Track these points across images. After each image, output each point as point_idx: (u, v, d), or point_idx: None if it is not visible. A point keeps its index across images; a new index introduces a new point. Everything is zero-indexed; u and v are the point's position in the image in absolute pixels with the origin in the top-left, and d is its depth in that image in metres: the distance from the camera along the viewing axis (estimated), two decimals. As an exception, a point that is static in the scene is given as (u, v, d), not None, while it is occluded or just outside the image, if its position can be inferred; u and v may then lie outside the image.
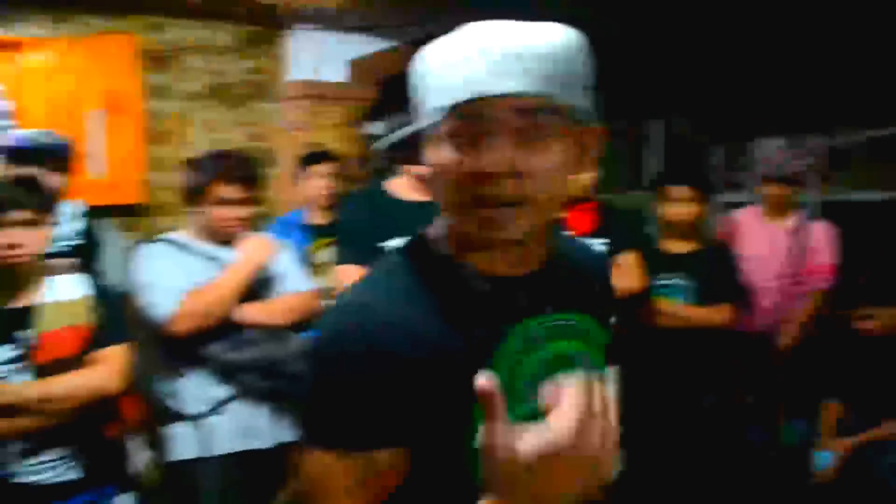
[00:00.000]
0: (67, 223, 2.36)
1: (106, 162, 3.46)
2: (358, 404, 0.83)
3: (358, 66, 4.03)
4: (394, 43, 4.01)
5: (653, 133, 5.90)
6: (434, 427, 0.85)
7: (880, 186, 5.72)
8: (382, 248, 2.10)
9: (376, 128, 4.01)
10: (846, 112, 5.48)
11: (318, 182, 3.23)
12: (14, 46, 3.44)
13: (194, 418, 2.20)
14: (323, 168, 3.23)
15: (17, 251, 1.76)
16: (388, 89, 4.01)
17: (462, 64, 0.81)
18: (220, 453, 2.19)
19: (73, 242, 2.29)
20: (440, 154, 0.86)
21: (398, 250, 0.97)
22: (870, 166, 5.91)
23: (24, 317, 1.82)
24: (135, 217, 3.56)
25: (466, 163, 0.83)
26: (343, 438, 0.83)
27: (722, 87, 5.24)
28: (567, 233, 2.17)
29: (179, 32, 3.70)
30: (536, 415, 0.71)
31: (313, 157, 3.30)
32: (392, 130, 2.36)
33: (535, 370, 0.92)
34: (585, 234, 2.56)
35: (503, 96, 0.80)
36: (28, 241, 1.77)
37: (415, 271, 0.92)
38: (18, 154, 2.28)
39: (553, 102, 0.82)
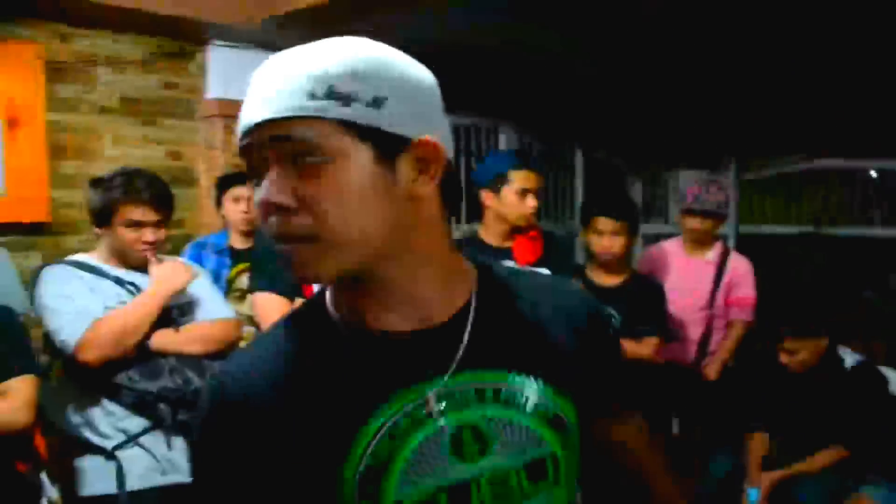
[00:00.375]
0: None
1: (4, 177, 3.22)
2: (214, 457, 0.83)
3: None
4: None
5: (577, 161, 5.99)
6: (296, 484, 0.80)
7: (792, 220, 5.99)
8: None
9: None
10: (758, 145, 5.72)
11: (238, 205, 3.10)
12: None
13: (107, 452, 2.05)
14: (242, 191, 3.10)
15: None
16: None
17: (246, 98, 0.79)
18: (136, 488, 2.06)
19: None
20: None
21: (298, 308, 0.93)
22: (780, 200, 6.19)
23: None
24: (37, 236, 3.32)
25: (254, 198, 0.79)
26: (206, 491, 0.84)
27: (638, 117, 5.39)
28: (514, 265, 2.13)
29: (88, 43, 3.51)
30: None
31: (232, 179, 3.18)
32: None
33: (416, 447, 0.79)
34: (530, 264, 2.53)
35: (260, 125, 0.76)
36: None
37: (302, 326, 0.87)
38: None
39: (315, 123, 0.74)
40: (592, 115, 5.30)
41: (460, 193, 0.90)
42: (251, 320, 2.54)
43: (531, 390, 0.84)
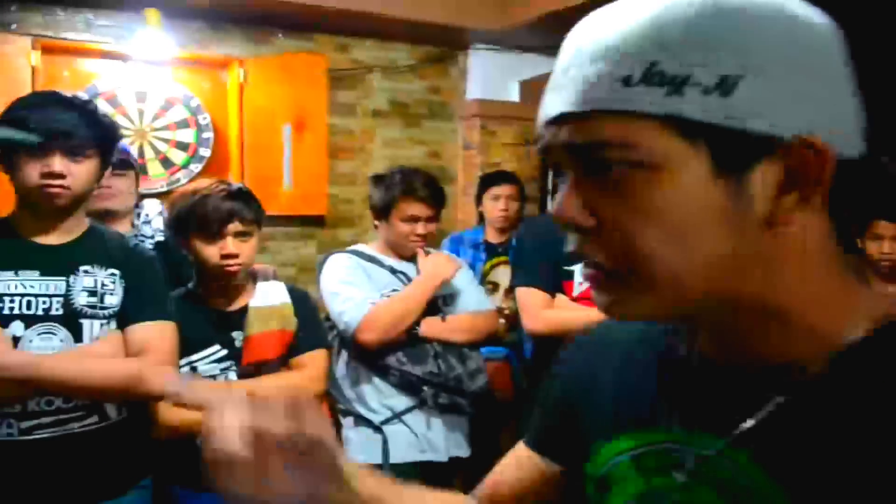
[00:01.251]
0: (151, 221, 2.48)
1: (292, 175, 3.64)
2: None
3: (529, 85, 4.04)
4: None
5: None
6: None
7: None
8: (562, 270, 2.12)
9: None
10: None
11: (497, 203, 3.25)
12: (215, 64, 3.72)
13: (374, 425, 2.25)
14: (503, 189, 3.26)
15: (234, 261, 1.86)
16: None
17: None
18: (397, 461, 2.23)
19: (156, 239, 2.40)
20: None
21: None
22: None
23: (234, 320, 1.93)
24: (315, 228, 3.72)
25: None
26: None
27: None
28: None
29: (364, 52, 3.86)
30: None
31: (492, 179, 3.34)
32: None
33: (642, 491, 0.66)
34: None
35: (556, 119, 0.57)
36: (243, 251, 1.86)
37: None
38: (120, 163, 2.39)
39: (626, 120, 0.53)
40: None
41: (879, 199, 0.63)
42: (500, 312, 2.66)
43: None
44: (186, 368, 1.86)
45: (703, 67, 0.52)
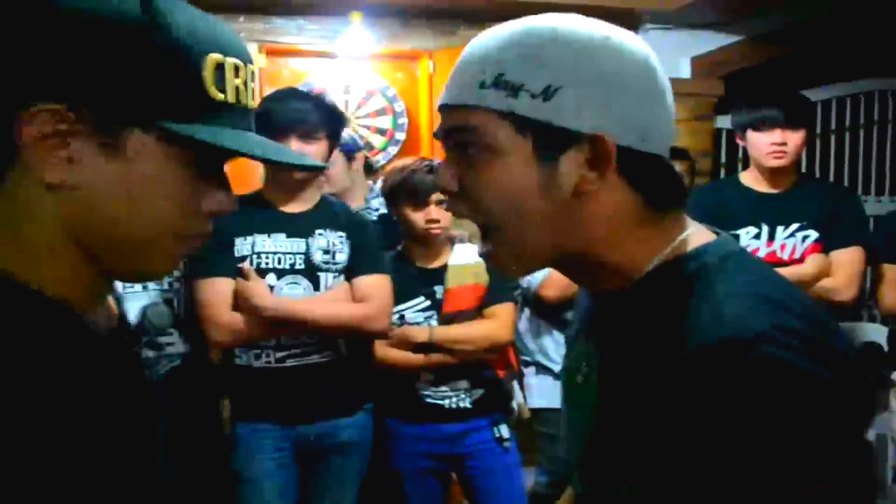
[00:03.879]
0: (375, 196, 2.83)
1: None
2: None
3: (700, 62, 4.11)
4: (736, 38, 4.03)
5: None
6: None
7: None
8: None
9: (724, 122, 4.06)
10: None
11: None
12: (407, 57, 4.12)
13: (554, 373, 2.53)
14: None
15: (437, 225, 2.21)
16: (731, 84, 4.06)
17: None
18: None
19: (380, 211, 2.73)
20: None
21: None
22: None
23: (435, 276, 2.28)
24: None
25: None
26: None
27: None
28: None
29: (541, 38, 4.11)
30: None
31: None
32: (738, 124, 2.50)
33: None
34: None
35: (440, 109, 0.79)
36: (443, 217, 2.21)
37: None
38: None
39: (483, 113, 0.74)
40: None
41: (669, 181, 0.81)
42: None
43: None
44: (396, 317, 2.21)
45: (533, 79, 0.72)
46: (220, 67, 0.65)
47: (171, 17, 0.63)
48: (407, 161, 2.33)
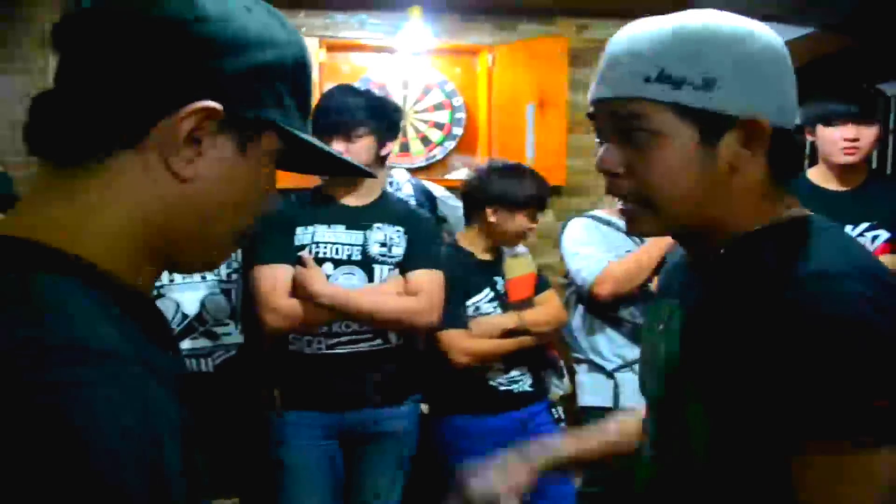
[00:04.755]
0: (401, 188, 2.80)
1: (535, 149, 3.96)
2: None
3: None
4: (806, 30, 3.89)
5: None
6: None
7: None
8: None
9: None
10: None
11: None
12: (466, 52, 4.12)
13: (607, 371, 2.50)
14: None
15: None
16: (801, 77, 3.92)
17: (598, 68, 0.92)
18: (627, 406, 2.45)
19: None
20: None
21: None
22: None
23: (493, 268, 2.37)
24: (554, 197, 4.00)
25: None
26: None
27: None
28: None
29: (603, 31, 4.05)
30: None
31: None
32: (808, 118, 2.42)
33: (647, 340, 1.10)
34: None
35: (600, 101, 0.90)
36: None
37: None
38: None
39: (646, 103, 0.85)
40: None
41: (797, 155, 0.95)
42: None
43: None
44: (472, 309, 2.29)
45: (694, 73, 0.83)
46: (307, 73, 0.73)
47: (280, 31, 0.69)
48: (496, 164, 2.43)
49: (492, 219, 2.29)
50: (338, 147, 2.04)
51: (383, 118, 2.17)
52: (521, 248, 2.34)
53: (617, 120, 0.88)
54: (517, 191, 2.28)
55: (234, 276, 2.19)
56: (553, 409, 2.39)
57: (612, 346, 2.52)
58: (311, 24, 3.95)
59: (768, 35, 0.88)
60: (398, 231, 2.16)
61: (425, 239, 2.20)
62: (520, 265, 2.36)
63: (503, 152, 3.79)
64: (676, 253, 1.10)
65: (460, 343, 2.22)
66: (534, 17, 4.03)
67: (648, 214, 0.89)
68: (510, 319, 2.27)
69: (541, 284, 2.44)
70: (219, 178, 0.66)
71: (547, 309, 2.39)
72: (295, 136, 0.70)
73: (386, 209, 2.19)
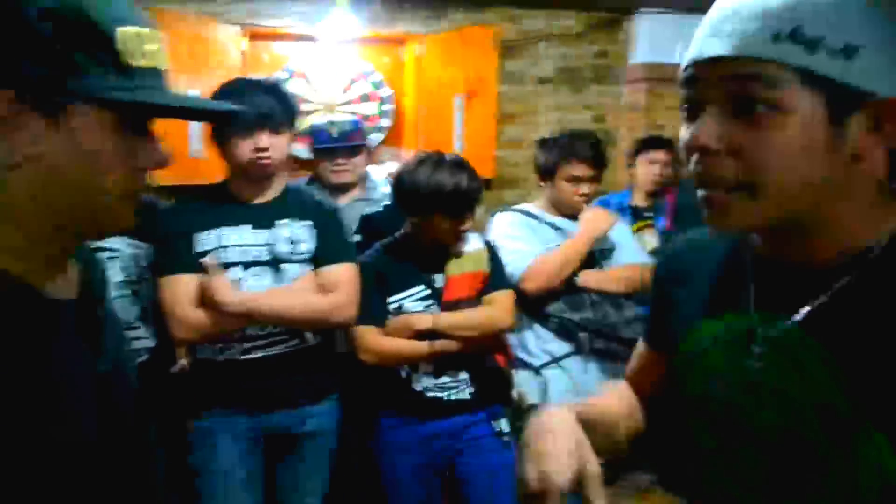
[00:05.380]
0: (377, 188, 2.78)
1: (464, 140, 3.89)
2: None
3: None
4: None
5: None
6: None
7: None
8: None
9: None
10: None
11: (653, 167, 3.30)
12: (394, 41, 4.02)
13: (535, 368, 2.44)
14: (658, 154, 3.29)
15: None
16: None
17: (702, 25, 0.75)
18: (553, 403, 2.40)
19: (383, 203, 2.65)
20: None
21: None
22: None
23: (436, 264, 2.18)
24: (487, 190, 3.94)
25: (684, 135, 0.75)
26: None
27: None
28: None
29: (533, 22, 4.01)
30: None
31: (652, 142, 3.38)
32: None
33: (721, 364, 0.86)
34: None
35: (711, 61, 0.71)
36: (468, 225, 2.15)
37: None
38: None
39: (776, 67, 0.68)
40: None
41: None
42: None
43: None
44: (394, 306, 2.12)
45: (834, 35, 0.67)
46: (131, 37, 0.73)
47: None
48: (425, 156, 2.16)
49: (434, 224, 2.11)
50: (266, 142, 1.95)
51: (296, 113, 2.11)
52: (473, 245, 2.19)
53: (731, 85, 0.71)
54: (458, 198, 2.06)
55: (144, 276, 2.07)
56: (494, 422, 2.18)
57: (539, 343, 2.47)
58: (234, 10, 3.79)
59: None
60: (305, 226, 2.05)
61: (335, 231, 2.09)
62: (463, 262, 2.18)
63: (431, 144, 3.71)
64: (708, 245, 0.92)
65: (368, 340, 2.11)
66: (463, 6, 3.96)
67: (748, 204, 0.72)
68: (423, 320, 2.11)
69: (494, 284, 2.20)
70: (60, 154, 0.71)
71: (480, 312, 2.16)
72: (120, 98, 0.72)
73: (292, 204, 2.07)
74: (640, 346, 1.03)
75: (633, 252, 2.55)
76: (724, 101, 0.71)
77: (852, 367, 0.72)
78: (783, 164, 0.70)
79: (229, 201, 2.05)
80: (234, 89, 2.05)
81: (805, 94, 0.68)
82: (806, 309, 0.76)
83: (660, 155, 3.28)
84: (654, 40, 3.99)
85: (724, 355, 0.83)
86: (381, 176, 2.82)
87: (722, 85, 0.71)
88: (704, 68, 0.72)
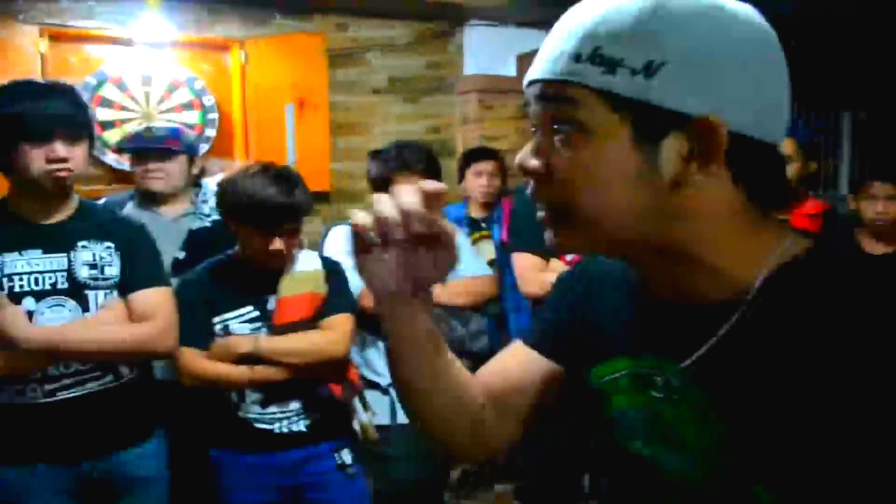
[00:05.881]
0: (208, 201, 2.57)
1: (296, 152, 3.73)
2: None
3: (526, 60, 4.11)
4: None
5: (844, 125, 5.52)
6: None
7: None
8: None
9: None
10: None
11: (479, 179, 3.31)
12: (215, 46, 3.79)
13: (382, 387, 2.35)
14: (486, 165, 3.31)
15: (279, 255, 1.95)
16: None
17: None
18: (402, 422, 2.30)
19: (212, 217, 2.49)
20: None
21: None
22: None
23: (268, 284, 2.01)
24: (320, 204, 3.80)
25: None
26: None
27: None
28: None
29: (363, 31, 3.92)
30: None
31: (477, 154, 3.40)
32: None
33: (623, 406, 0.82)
34: None
35: (531, 83, 0.72)
36: (288, 246, 1.96)
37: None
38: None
39: (579, 89, 0.66)
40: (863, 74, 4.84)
41: (782, 175, 0.71)
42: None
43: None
44: (219, 327, 1.96)
45: (633, 54, 0.64)
46: None
47: None
48: (249, 168, 2.00)
49: (246, 238, 1.97)
50: (62, 151, 1.73)
51: (92, 120, 1.90)
52: (309, 264, 2.04)
53: (548, 106, 0.70)
54: (268, 211, 1.90)
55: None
56: (336, 455, 2.05)
57: (385, 361, 2.37)
58: (31, 10, 3.41)
59: (749, 17, 0.67)
60: (108, 248, 1.83)
61: (142, 253, 1.89)
62: (298, 283, 2.03)
63: (262, 155, 3.51)
64: (610, 279, 0.86)
65: (187, 362, 1.93)
66: (288, 11, 3.80)
67: (567, 229, 0.71)
68: (244, 343, 1.93)
69: (332, 307, 2.05)
70: None
71: (306, 337, 2.00)
72: None
73: (90, 223, 1.85)
74: (521, 350, 0.94)
75: (475, 264, 2.52)
76: (545, 123, 0.70)
77: (736, 420, 0.68)
78: (591, 189, 0.67)
79: (10, 221, 1.79)
80: (20, 91, 1.79)
81: (610, 116, 0.65)
82: (696, 354, 0.71)
83: (486, 166, 3.29)
84: (485, 52, 4.04)
85: (630, 393, 0.79)
86: (214, 189, 2.60)
87: (541, 106, 0.70)
88: (530, 90, 0.72)
